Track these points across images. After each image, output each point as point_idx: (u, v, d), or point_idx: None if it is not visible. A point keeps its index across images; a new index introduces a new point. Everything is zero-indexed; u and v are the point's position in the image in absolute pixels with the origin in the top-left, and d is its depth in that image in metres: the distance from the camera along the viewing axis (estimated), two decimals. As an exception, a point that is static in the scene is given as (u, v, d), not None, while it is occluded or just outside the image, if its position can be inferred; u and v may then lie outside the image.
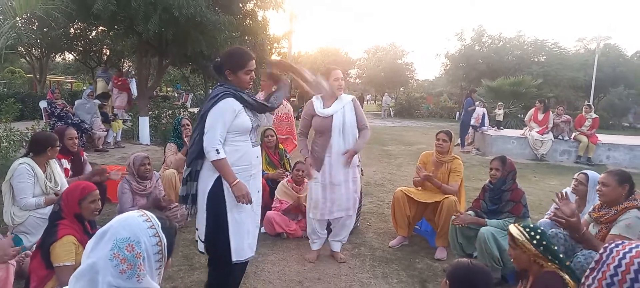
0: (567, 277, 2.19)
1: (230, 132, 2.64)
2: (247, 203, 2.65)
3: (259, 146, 2.88)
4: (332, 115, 3.61)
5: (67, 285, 1.39)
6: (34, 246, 2.91)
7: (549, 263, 2.25)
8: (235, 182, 2.60)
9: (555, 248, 2.28)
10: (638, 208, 2.90)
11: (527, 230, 2.32)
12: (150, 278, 1.36)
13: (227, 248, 2.69)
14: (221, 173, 2.62)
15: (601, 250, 1.42)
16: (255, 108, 2.74)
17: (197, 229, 2.83)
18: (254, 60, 2.73)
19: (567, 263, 2.31)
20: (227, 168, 2.60)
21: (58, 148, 3.79)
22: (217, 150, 2.54)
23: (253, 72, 2.73)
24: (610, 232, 2.93)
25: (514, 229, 2.36)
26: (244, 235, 2.73)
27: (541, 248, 2.25)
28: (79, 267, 1.37)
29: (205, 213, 2.70)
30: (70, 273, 2.39)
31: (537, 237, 2.28)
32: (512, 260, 2.43)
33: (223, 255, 2.71)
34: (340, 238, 3.95)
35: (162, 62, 11.01)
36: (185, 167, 2.81)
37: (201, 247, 2.81)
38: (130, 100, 11.70)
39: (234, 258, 2.71)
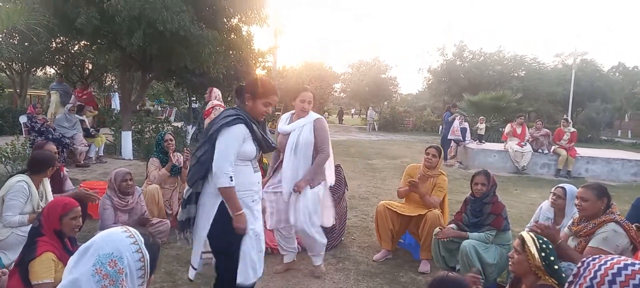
0: None
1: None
2: (243, 234, 2.66)
3: (260, 172, 2.85)
4: (289, 133, 3.63)
5: None
6: (12, 264, 2.85)
7: (547, 278, 2.28)
8: (239, 213, 2.60)
9: (557, 267, 2.29)
10: (615, 221, 2.98)
11: (540, 241, 2.35)
12: None
13: (234, 271, 2.67)
14: (227, 201, 2.59)
15: (579, 264, 1.47)
16: (260, 143, 2.71)
17: (193, 257, 2.77)
18: (276, 97, 2.73)
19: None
20: (235, 197, 2.58)
21: (54, 167, 3.76)
22: (230, 177, 2.51)
23: (270, 108, 2.73)
24: (589, 245, 3.00)
25: (527, 236, 2.38)
26: (247, 260, 2.69)
27: (546, 262, 2.27)
28: (58, 284, 1.35)
29: (205, 239, 2.66)
30: (48, 291, 2.38)
31: (547, 250, 2.31)
32: (510, 264, 2.45)
33: (229, 279, 2.69)
34: (314, 252, 3.85)
35: (146, 77, 10.94)
36: (186, 188, 2.71)
37: (192, 274, 2.76)
38: (98, 114, 11.12)
39: (239, 280, 2.68)
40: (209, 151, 2.56)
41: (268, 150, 2.86)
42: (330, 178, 3.87)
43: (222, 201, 2.60)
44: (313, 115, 3.69)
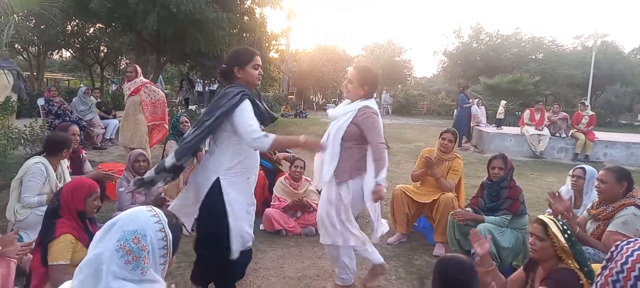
0: (583, 278, 2.18)
1: (237, 134, 2.62)
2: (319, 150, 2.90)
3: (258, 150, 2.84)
4: (331, 121, 3.11)
5: (60, 283, 1.41)
6: (34, 243, 2.92)
7: (570, 262, 2.23)
8: (303, 141, 2.72)
9: (578, 247, 2.25)
10: (635, 205, 2.93)
11: (561, 223, 2.30)
12: (154, 272, 1.38)
13: (228, 250, 2.70)
14: (284, 146, 2.72)
15: (612, 248, 1.43)
16: (262, 116, 2.73)
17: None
18: (259, 56, 2.76)
19: (589, 265, 2.26)
20: (284, 139, 2.80)
21: (71, 148, 3.81)
22: (265, 135, 2.58)
23: (260, 68, 2.75)
24: (607, 229, 2.96)
25: (549, 221, 2.31)
26: (240, 236, 2.75)
27: (570, 243, 2.22)
28: (73, 266, 1.39)
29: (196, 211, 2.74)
30: (63, 273, 2.44)
31: (569, 232, 2.26)
32: (531, 249, 2.37)
33: (224, 256, 2.72)
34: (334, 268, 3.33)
35: (160, 59, 11.01)
36: (173, 158, 2.64)
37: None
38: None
39: (235, 257, 2.74)
40: (209, 131, 2.60)
41: (269, 123, 2.88)
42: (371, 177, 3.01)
43: (216, 179, 2.65)
44: (358, 103, 3.01)
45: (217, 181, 2.65)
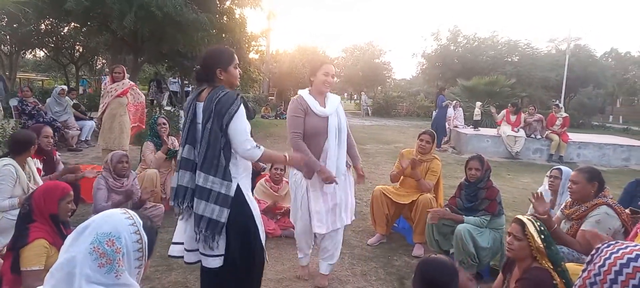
0: (557, 277, 2.23)
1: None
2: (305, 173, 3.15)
3: None
4: (328, 116, 3.24)
5: None
6: (4, 249, 2.83)
7: (544, 262, 2.28)
8: (289, 159, 2.78)
9: (553, 248, 2.31)
10: (607, 204, 3.01)
11: (538, 224, 2.35)
12: (129, 276, 1.35)
13: (261, 251, 2.66)
14: (271, 161, 2.81)
15: (593, 251, 1.45)
16: (249, 114, 2.68)
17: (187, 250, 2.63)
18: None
19: (562, 265, 2.32)
20: (272, 154, 2.74)
21: (36, 145, 3.71)
22: (257, 146, 2.51)
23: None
24: (581, 228, 3.03)
25: (526, 220, 2.35)
26: (263, 234, 2.72)
27: (545, 244, 2.28)
28: (47, 271, 1.35)
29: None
30: (37, 278, 2.37)
31: (545, 233, 2.32)
32: (508, 249, 2.42)
33: (258, 260, 2.66)
34: (329, 254, 3.46)
35: (138, 60, 10.83)
36: (202, 174, 2.46)
37: (189, 258, 2.65)
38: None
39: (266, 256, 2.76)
40: (221, 137, 2.46)
41: (251, 118, 2.85)
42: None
43: (237, 187, 2.53)
44: (335, 96, 3.41)
45: (238, 187, 2.54)
